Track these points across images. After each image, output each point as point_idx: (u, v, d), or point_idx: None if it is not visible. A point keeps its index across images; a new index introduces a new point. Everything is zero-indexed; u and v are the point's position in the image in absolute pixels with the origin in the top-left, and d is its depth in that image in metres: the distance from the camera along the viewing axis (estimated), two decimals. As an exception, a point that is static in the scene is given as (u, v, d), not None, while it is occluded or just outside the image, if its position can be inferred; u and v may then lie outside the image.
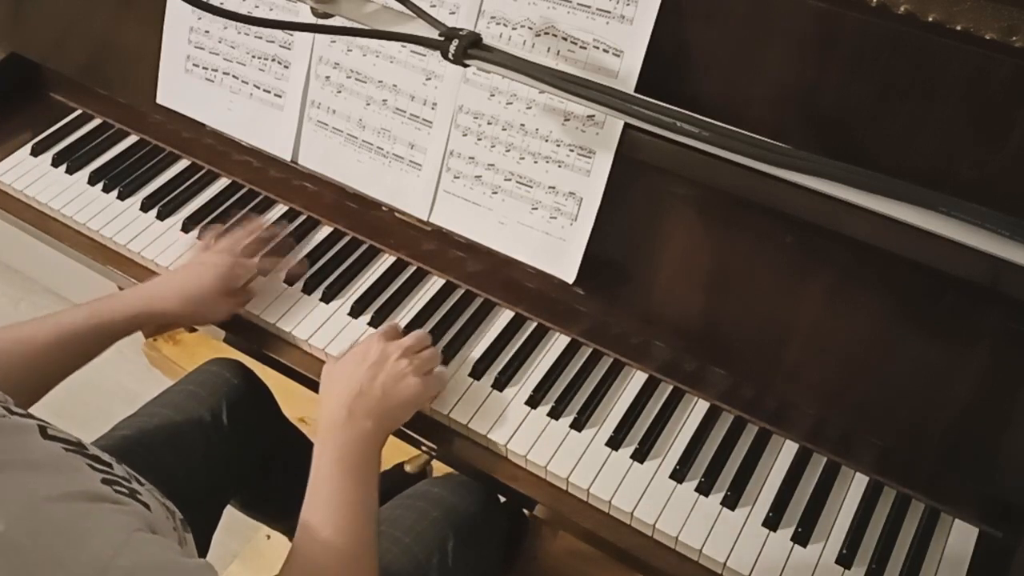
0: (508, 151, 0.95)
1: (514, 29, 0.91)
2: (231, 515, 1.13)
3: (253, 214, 1.14)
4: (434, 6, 0.94)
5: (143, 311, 0.95)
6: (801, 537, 0.84)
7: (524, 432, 0.92)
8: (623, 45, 0.86)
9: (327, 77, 1.04)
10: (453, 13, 0.93)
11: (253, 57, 1.09)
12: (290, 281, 1.06)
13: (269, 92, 1.09)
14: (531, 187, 0.94)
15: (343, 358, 0.90)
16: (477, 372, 0.97)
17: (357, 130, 1.03)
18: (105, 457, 0.67)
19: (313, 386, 1.03)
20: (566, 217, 0.93)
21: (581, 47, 0.88)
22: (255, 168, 1.17)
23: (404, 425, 0.90)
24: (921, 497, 0.86)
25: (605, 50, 0.87)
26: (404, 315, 1.03)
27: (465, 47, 0.76)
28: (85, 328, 0.92)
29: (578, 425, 0.92)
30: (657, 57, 0.85)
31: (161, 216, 1.15)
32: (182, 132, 1.21)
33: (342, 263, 1.09)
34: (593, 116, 0.89)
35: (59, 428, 0.65)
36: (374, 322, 1.02)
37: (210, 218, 1.14)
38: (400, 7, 0.81)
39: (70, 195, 1.18)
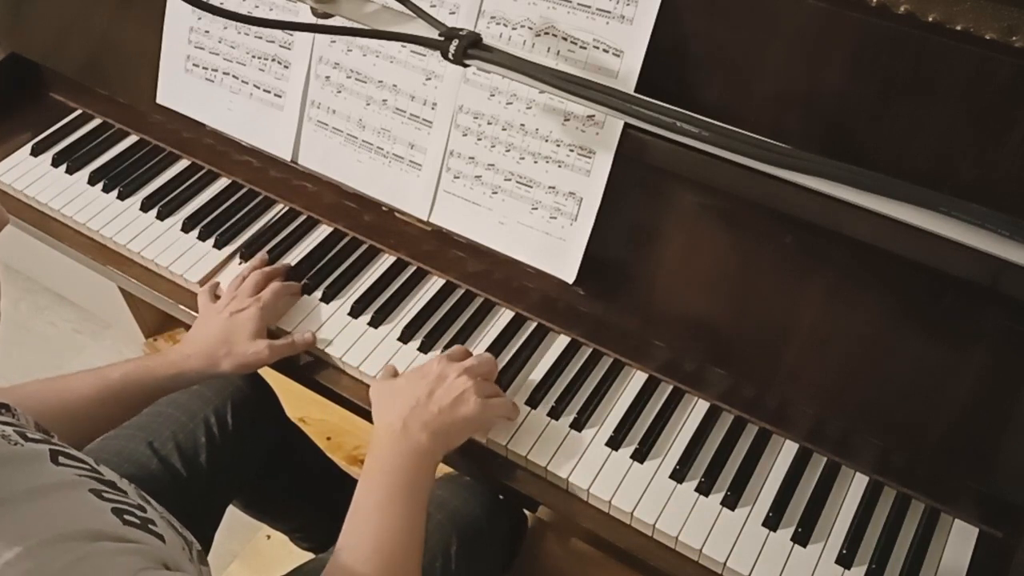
0: (508, 151, 0.95)
1: (514, 29, 0.91)
2: (231, 515, 1.12)
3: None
4: (434, 6, 0.94)
5: (183, 370, 0.96)
6: (801, 537, 0.84)
7: (524, 432, 0.92)
8: (623, 45, 0.86)
9: (327, 77, 1.04)
10: (453, 13, 0.93)
11: (253, 57, 1.09)
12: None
13: (269, 92, 1.09)
14: (531, 187, 0.94)
15: (399, 376, 0.89)
16: (477, 372, 0.97)
17: (357, 130, 1.03)
18: (120, 483, 0.64)
19: (313, 387, 1.03)
20: (566, 217, 0.93)
21: (581, 47, 0.88)
22: (255, 168, 1.17)
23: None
24: (921, 497, 0.86)
25: (605, 50, 0.87)
26: (404, 315, 1.03)
27: (465, 47, 0.76)
28: (126, 383, 0.93)
29: (578, 425, 0.92)
30: (657, 57, 0.85)
31: (161, 216, 1.15)
32: (182, 132, 1.21)
33: (342, 263, 1.09)
34: (593, 116, 0.89)
35: (75, 452, 0.62)
36: (374, 322, 1.02)
37: (210, 218, 1.14)
38: (400, 7, 0.81)
39: (70, 195, 1.18)
